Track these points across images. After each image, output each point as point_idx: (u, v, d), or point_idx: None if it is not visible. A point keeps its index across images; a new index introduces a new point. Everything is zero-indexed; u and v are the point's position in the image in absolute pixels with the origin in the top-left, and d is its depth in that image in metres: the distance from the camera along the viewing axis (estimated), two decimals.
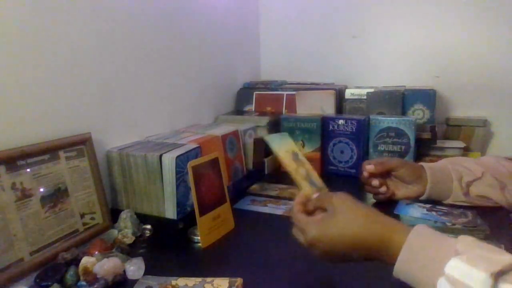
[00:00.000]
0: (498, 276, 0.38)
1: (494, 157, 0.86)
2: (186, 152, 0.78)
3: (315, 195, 0.59)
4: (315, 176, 0.68)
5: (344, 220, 0.51)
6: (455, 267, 0.41)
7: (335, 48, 1.48)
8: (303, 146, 1.17)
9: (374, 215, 0.52)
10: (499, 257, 0.40)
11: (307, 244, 0.53)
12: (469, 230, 0.71)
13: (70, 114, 0.75)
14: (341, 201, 0.54)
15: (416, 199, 0.86)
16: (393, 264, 0.47)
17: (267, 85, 1.40)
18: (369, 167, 0.86)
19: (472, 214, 0.77)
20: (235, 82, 1.43)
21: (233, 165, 1.01)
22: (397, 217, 0.78)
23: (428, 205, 0.83)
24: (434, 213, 0.80)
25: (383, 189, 0.86)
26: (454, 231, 0.70)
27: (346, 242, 0.50)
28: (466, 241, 0.44)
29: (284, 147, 0.70)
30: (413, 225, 0.48)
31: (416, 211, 0.81)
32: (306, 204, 0.58)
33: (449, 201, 0.82)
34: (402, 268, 0.46)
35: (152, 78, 0.98)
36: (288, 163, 0.67)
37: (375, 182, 0.86)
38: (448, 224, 0.74)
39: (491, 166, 0.81)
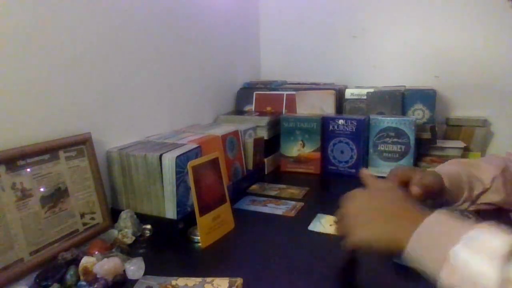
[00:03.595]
0: None
1: (504, 156, 0.84)
2: (186, 152, 0.78)
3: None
4: None
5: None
6: (474, 234, 0.41)
7: (335, 48, 1.48)
8: (303, 146, 1.17)
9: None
10: None
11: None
12: None
13: (70, 114, 0.75)
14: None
15: None
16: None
17: (267, 85, 1.40)
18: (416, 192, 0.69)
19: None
20: (235, 82, 1.43)
21: (233, 165, 1.01)
22: None
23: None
24: None
25: None
26: None
27: (387, 198, 0.54)
28: (487, 223, 0.44)
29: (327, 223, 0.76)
30: None
31: None
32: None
33: (452, 207, 0.79)
34: (417, 239, 0.45)
35: (152, 78, 0.98)
36: None
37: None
38: None
39: (505, 169, 0.79)
